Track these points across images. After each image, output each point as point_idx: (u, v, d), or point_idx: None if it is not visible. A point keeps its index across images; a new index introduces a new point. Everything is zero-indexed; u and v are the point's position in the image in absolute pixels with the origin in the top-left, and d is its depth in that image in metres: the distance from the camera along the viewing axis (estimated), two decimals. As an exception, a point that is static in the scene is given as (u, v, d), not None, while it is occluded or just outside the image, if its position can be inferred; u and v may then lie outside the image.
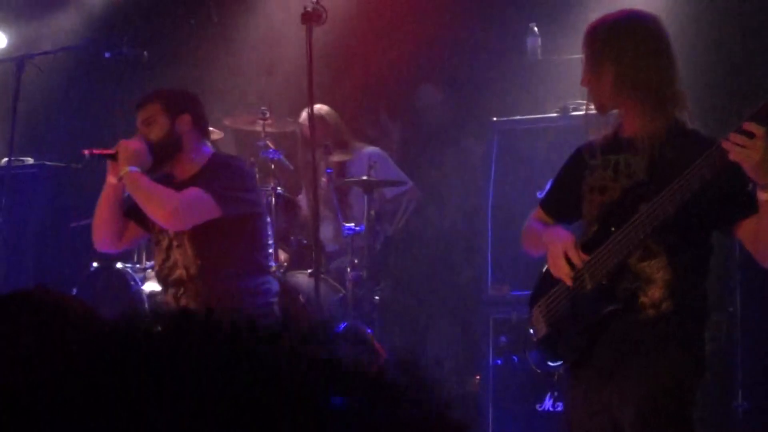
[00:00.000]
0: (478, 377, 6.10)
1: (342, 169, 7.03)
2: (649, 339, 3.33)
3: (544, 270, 3.60)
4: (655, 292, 3.33)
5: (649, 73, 3.40)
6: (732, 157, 3.09)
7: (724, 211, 3.33)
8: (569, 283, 3.43)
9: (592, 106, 3.56)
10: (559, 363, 3.58)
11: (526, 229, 3.75)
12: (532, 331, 3.62)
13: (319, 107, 6.89)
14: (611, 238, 3.36)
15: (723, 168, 3.16)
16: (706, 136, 3.39)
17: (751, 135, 3.06)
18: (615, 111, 3.54)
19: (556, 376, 3.76)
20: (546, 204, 3.77)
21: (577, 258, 3.40)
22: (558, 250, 3.43)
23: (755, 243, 3.28)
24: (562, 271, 3.44)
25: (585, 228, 3.53)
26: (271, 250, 5.01)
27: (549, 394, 5.40)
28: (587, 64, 3.47)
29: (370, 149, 7.07)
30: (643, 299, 3.34)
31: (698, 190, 3.18)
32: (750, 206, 3.26)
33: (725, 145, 3.11)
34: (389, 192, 7.05)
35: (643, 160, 3.40)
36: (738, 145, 3.07)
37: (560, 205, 3.70)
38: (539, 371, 3.70)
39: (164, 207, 4.54)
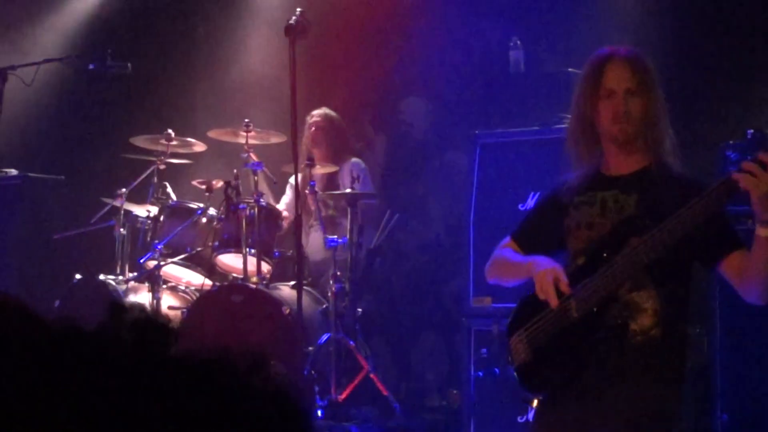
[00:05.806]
0: (455, 391, 6.11)
1: (329, 181, 7.05)
2: (637, 364, 3.40)
3: (522, 300, 3.62)
4: (644, 321, 3.41)
5: (658, 109, 3.50)
6: (742, 185, 3.15)
7: (712, 246, 3.40)
8: (554, 305, 3.44)
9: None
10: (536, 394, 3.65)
11: (497, 259, 3.77)
12: (510, 359, 3.64)
13: (329, 111, 7.07)
14: (601, 270, 3.41)
15: (729, 198, 3.24)
16: (694, 179, 3.49)
17: (764, 165, 3.13)
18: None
19: (535, 402, 3.79)
20: (519, 237, 3.79)
21: (565, 287, 3.43)
22: (548, 276, 3.46)
23: (740, 278, 3.36)
24: (551, 296, 3.45)
25: (570, 260, 3.57)
26: None
27: (530, 406, 5.42)
28: (633, 93, 3.48)
29: (353, 161, 7.10)
30: (634, 327, 3.41)
31: (701, 222, 3.25)
32: (736, 243, 3.36)
33: (736, 175, 3.19)
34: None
35: (634, 197, 3.47)
36: (750, 173, 3.13)
37: (535, 239, 3.74)
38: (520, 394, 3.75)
39: None
